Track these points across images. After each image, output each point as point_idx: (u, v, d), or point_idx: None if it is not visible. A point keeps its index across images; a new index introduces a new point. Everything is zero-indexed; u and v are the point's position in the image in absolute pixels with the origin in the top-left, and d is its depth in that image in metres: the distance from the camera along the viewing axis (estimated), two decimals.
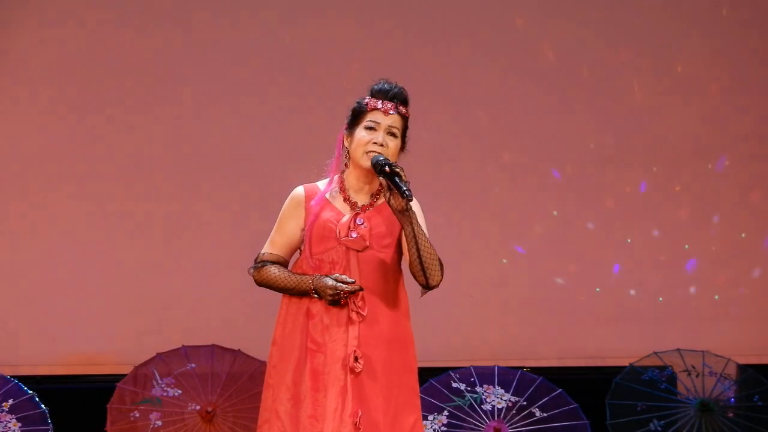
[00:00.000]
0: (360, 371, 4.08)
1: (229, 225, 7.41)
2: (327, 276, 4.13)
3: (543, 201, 7.53)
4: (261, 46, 7.50)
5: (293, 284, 4.19)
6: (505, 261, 7.51)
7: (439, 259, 4.12)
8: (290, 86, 7.49)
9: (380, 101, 4.20)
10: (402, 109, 4.23)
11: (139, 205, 7.42)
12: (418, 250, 4.08)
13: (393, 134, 4.20)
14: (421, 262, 4.08)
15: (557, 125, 7.54)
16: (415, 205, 4.19)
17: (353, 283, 4.10)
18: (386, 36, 7.51)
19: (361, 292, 4.12)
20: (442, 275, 4.14)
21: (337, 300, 4.10)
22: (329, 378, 4.09)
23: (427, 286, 4.14)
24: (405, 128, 4.24)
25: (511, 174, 7.54)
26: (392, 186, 4.03)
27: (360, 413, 4.06)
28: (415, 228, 4.07)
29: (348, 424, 4.04)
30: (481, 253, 7.46)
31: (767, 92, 7.57)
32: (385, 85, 4.24)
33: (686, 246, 7.54)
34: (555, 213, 7.53)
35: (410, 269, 4.14)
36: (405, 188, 3.98)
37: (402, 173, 4.03)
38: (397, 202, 4.03)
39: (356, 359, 4.08)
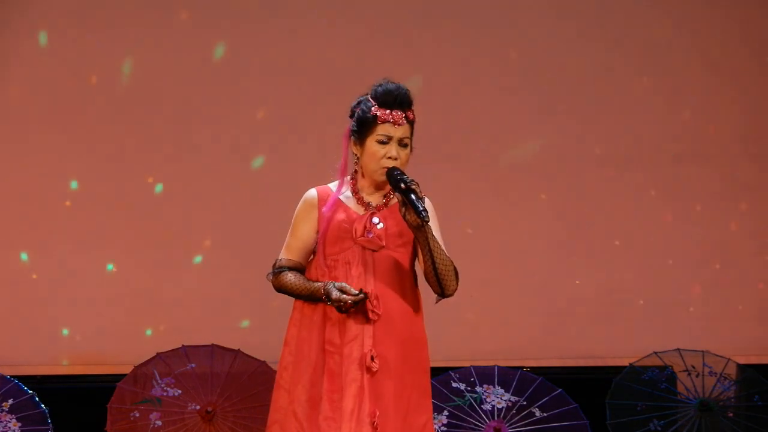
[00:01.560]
0: (376, 371, 4.08)
1: (229, 225, 7.41)
2: (333, 285, 4.11)
3: (543, 201, 7.53)
4: (264, 42, 7.51)
5: (308, 292, 4.17)
6: (505, 261, 7.51)
7: (455, 268, 4.12)
8: (292, 86, 7.48)
9: (389, 112, 4.15)
10: (410, 115, 4.19)
11: (139, 205, 7.42)
12: (433, 262, 4.08)
13: (404, 145, 4.17)
14: (436, 274, 4.09)
15: (554, 128, 7.55)
16: (428, 204, 4.18)
17: (357, 294, 4.07)
18: (396, 34, 7.51)
19: (374, 292, 4.11)
20: (457, 283, 4.14)
21: (344, 311, 4.09)
22: (346, 379, 4.08)
23: (442, 295, 4.14)
24: (413, 131, 4.22)
25: (511, 174, 7.53)
26: (408, 203, 4.00)
27: (377, 413, 4.06)
28: (431, 242, 4.06)
29: (366, 424, 4.03)
30: (481, 253, 7.45)
31: None
32: (390, 88, 4.18)
33: (687, 246, 7.54)
34: (553, 213, 7.53)
35: (425, 278, 4.14)
36: (421, 208, 3.96)
37: (417, 189, 4.00)
38: (413, 219, 4.01)
39: (372, 359, 4.07)
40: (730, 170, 7.55)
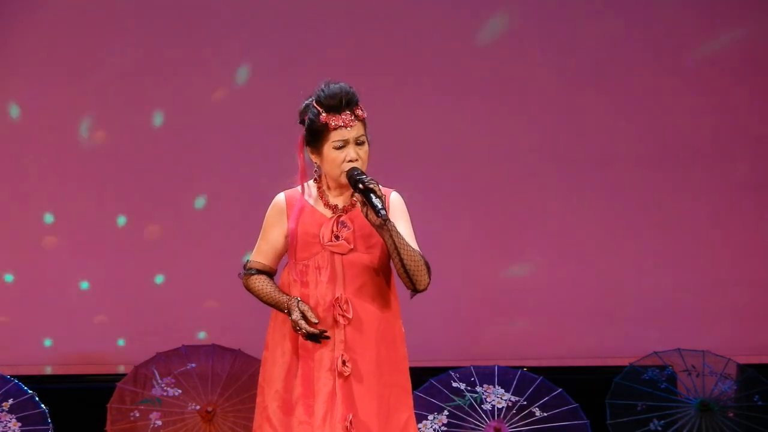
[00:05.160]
0: (348, 375, 4.07)
1: (229, 224, 7.41)
2: (297, 305, 4.10)
3: (542, 200, 7.53)
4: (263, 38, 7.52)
5: (273, 302, 4.19)
6: (505, 261, 7.51)
7: (426, 262, 4.07)
8: (292, 86, 7.47)
9: (338, 116, 4.10)
10: (359, 113, 4.13)
11: (138, 204, 7.42)
12: (401, 260, 4.04)
13: (361, 143, 4.14)
14: (406, 271, 4.05)
15: (560, 125, 7.55)
16: (396, 199, 4.17)
17: (317, 332, 4.05)
18: (394, 33, 7.52)
19: (344, 296, 4.11)
20: (429, 278, 4.08)
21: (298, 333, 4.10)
22: (318, 384, 4.08)
23: (414, 290, 4.10)
24: (365, 126, 4.17)
25: (511, 173, 7.54)
26: (367, 202, 4.00)
27: (350, 417, 4.05)
28: (396, 240, 4.02)
29: (338, 429, 4.03)
30: (481, 253, 7.46)
31: None
32: (334, 90, 4.12)
33: (687, 246, 7.54)
34: (555, 213, 7.53)
35: (398, 275, 4.11)
36: (380, 207, 3.95)
37: (376, 189, 3.99)
38: (374, 218, 4.00)
39: (344, 363, 4.07)
40: (731, 170, 7.55)
